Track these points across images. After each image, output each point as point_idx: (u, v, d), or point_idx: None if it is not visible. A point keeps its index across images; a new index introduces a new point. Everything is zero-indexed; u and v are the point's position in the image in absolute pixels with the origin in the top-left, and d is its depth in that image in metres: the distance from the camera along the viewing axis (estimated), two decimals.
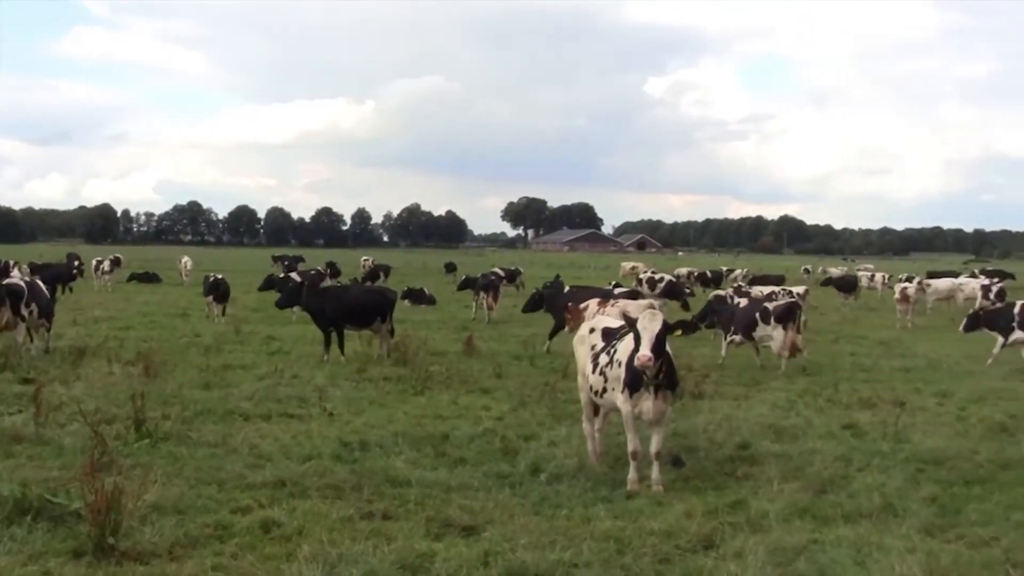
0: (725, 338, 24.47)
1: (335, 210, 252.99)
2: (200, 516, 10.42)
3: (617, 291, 27.73)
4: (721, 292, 34.47)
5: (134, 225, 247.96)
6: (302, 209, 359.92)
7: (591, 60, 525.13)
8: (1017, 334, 24.29)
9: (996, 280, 45.25)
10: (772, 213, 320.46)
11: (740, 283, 44.70)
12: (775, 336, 22.92)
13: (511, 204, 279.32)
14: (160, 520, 10.08)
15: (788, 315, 22.98)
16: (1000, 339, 24.64)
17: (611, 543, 9.76)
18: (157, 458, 12.73)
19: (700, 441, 14.46)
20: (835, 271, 65.16)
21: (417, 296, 41.39)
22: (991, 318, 25.73)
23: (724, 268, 65.12)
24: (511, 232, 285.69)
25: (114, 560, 9.04)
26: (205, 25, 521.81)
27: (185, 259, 60.88)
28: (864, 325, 37.10)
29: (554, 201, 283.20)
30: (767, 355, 23.61)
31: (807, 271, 69.38)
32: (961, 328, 26.62)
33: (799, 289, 35.53)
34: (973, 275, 57.73)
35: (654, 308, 19.79)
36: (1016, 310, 24.84)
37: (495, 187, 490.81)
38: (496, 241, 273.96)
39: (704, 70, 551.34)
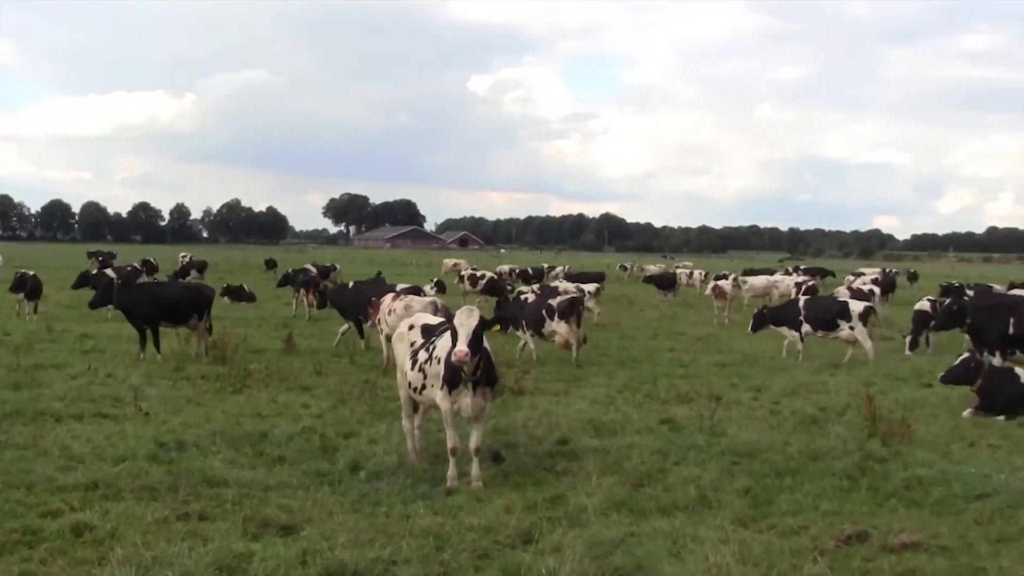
0: (521, 334, 24.93)
1: (153, 205, 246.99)
2: (7, 521, 10.05)
3: (399, 287, 27.73)
4: (524, 290, 34.79)
5: None
6: (119, 204, 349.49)
7: (415, 57, 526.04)
8: (806, 327, 25.19)
9: (809, 279, 46.65)
10: (593, 211, 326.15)
11: (558, 280, 45.11)
12: (559, 330, 23.77)
13: (333, 200, 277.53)
14: None
15: (570, 311, 23.93)
16: (795, 334, 25.47)
17: (430, 540, 9.73)
18: None
19: (520, 437, 14.51)
20: (653, 268, 66.41)
21: (236, 293, 40.66)
22: (777, 315, 26.55)
23: (545, 265, 65.67)
24: (333, 229, 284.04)
25: None
26: (15, 13, 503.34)
27: None
28: (682, 321, 37.85)
29: (376, 198, 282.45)
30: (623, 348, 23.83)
31: (624, 268, 70.43)
32: (749, 328, 27.43)
33: (590, 287, 35.85)
34: (787, 272, 59.62)
35: (436, 304, 21.42)
36: (800, 304, 25.95)
37: (317, 183, 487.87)
38: (318, 238, 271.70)
39: (527, 69, 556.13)
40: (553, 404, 17.17)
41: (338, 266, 59.16)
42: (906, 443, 14.21)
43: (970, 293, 33.37)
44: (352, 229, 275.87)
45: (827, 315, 25.30)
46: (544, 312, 24.39)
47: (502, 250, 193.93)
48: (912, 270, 76.82)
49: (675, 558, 9.35)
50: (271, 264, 67.96)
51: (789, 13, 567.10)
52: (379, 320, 23.03)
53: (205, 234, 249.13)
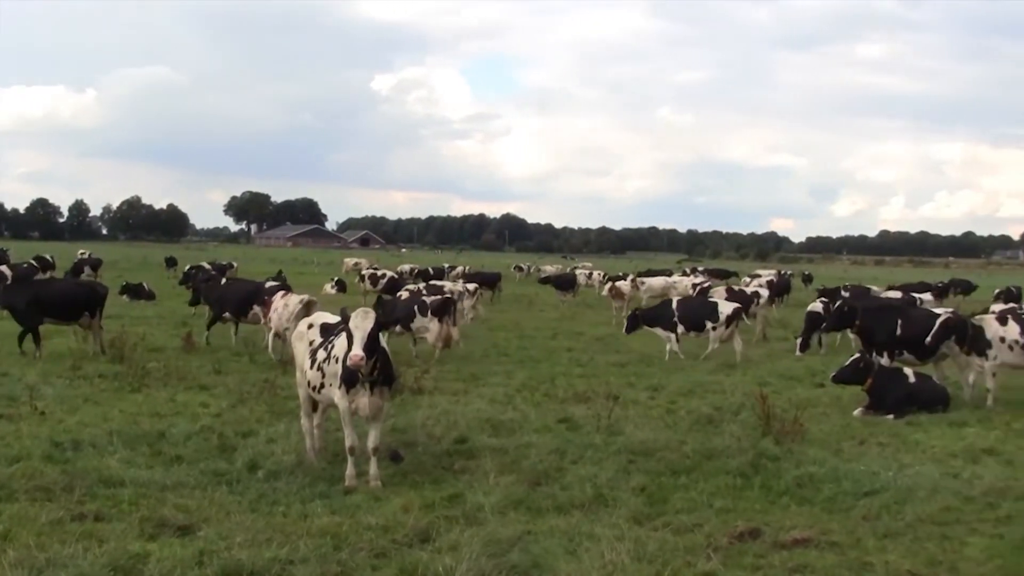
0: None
1: (52, 201, 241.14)
2: None
3: (268, 284, 27.72)
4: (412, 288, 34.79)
5: None
6: (16, 200, 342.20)
7: (318, 55, 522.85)
8: (681, 328, 25.67)
9: (706, 279, 47.32)
10: (495, 211, 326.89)
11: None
12: (431, 328, 24.17)
13: (234, 198, 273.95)
14: None
15: (443, 309, 24.44)
16: (671, 335, 25.83)
17: (328, 539, 9.71)
18: None
19: (419, 436, 14.50)
20: (550, 268, 66.68)
21: (135, 291, 40.09)
22: (651, 316, 26.90)
23: (446, 265, 65.61)
24: (234, 227, 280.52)
25: None
26: None
27: None
28: (581, 321, 38.01)
29: (278, 196, 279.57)
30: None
31: (520, 269, 70.65)
32: (624, 330, 27.71)
33: (469, 287, 35.80)
34: (685, 273, 60.31)
35: (304, 299, 22.33)
36: (674, 306, 26.40)
37: (218, 181, 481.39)
38: (219, 236, 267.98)
39: (430, 68, 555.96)
40: (452, 403, 17.17)
41: (235, 264, 58.51)
42: (798, 442, 14.46)
43: (845, 294, 34.23)
44: (253, 227, 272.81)
45: (698, 316, 25.83)
46: (416, 309, 24.74)
47: (403, 249, 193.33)
48: (807, 272, 78.18)
49: (571, 556, 9.43)
50: (171, 262, 67.06)
51: (689, 18, 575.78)
52: (269, 317, 23.45)
53: (105, 231, 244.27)
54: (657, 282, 43.94)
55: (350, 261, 67.63)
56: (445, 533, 10.03)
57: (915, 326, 19.59)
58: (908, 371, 18.06)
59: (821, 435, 15.33)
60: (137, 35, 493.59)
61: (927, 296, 35.31)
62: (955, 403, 18.01)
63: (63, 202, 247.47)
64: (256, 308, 25.11)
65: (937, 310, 21.83)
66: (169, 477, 11.97)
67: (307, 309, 21.62)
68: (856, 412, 17.31)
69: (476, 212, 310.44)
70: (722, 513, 11.05)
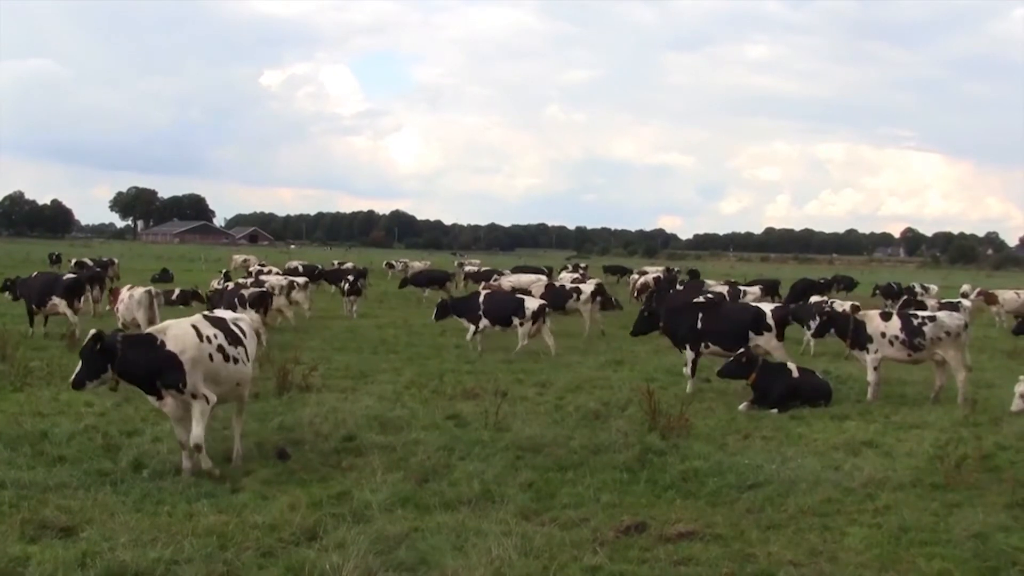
0: None
1: None
2: None
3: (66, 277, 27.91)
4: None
5: None
6: None
7: (206, 50, 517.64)
8: (484, 322, 26.12)
9: (580, 276, 47.99)
10: (384, 208, 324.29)
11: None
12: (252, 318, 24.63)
13: (120, 194, 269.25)
14: None
15: (259, 302, 26.70)
16: (470, 327, 26.45)
17: (214, 538, 9.63)
18: None
19: (306, 434, 14.40)
20: (418, 264, 66.85)
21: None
22: (460, 307, 27.47)
23: (336, 262, 65.15)
24: (120, 223, 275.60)
25: None
26: None
27: None
28: None
29: (165, 192, 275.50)
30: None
31: (391, 265, 70.54)
32: (433, 317, 28.76)
33: (300, 280, 35.58)
34: (574, 270, 60.92)
35: (151, 292, 24.20)
36: (481, 299, 26.92)
37: (104, 176, 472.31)
38: (104, 232, 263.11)
39: (320, 64, 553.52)
40: (340, 401, 17.06)
41: (116, 260, 57.51)
42: (684, 436, 14.66)
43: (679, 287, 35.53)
44: (140, 224, 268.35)
45: (504, 311, 26.14)
46: (236, 301, 26.09)
47: (292, 246, 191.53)
48: (693, 268, 79.13)
49: (458, 552, 9.46)
50: (55, 259, 65.68)
51: (578, 18, 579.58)
52: (116, 309, 25.13)
53: None
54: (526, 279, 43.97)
55: (239, 258, 66.90)
56: (332, 531, 10.01)
57: (718, 320, 20.50)
58: (792, 366, 18.41)
59: (707, 430, 15.57)
60: (19, 26, 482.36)
61: (753, 290, 37.75)
62: (837, 397, 18.39)
63: None
64: (55, 299, 25.92)
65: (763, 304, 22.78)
66: (51, 478, 11.73)
67: (151, 300, 24.27)
68: (741, 407, 17.59)
69: (366, 209, 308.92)
70: (609, 508, 11.18)
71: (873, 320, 19.59)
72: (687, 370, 20.37)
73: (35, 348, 23.06)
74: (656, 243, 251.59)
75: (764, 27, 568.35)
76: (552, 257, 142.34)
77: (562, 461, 13.20)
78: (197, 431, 11.98)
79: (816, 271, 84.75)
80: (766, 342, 20.10)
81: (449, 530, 10.12)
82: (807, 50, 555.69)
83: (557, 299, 30.94)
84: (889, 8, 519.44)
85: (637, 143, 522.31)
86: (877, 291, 49.39)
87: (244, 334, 13.25)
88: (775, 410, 17.24)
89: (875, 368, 19.05)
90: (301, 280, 35.56)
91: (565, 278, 43.73)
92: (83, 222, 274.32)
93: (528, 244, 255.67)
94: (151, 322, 22.34)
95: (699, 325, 20.45)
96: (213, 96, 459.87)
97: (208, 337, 12.49)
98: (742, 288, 38.45)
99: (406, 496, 11.34)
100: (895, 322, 19.33)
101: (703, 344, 20.40)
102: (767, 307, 21.22)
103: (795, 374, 18.06)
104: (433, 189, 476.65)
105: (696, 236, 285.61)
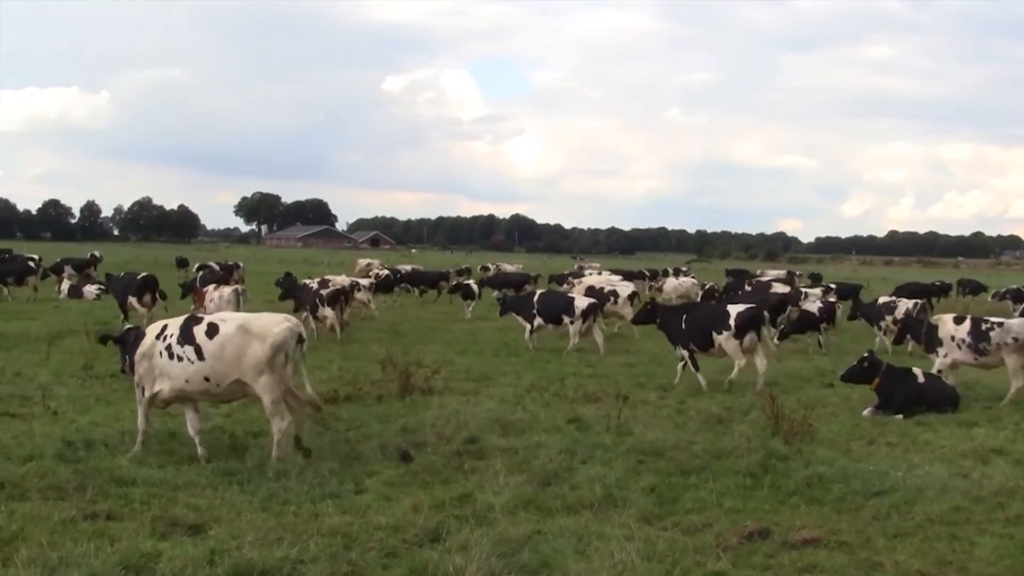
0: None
1: (63, 202, 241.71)
2: None
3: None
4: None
5: None
6: (28, 201, 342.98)
7: (328, 57, 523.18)
8: (538, 320, 26.96)
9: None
10: (504, 212, 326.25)
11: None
12: (327, 315, 28.19)
13: (244, 199, 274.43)
14: None
15: (335, 299, 28.47)
16: (527, 325, 27.27)
17: (338, 538, 9.73)
18: None
19: (429, 436, 14.47)
20: (509, 267, 67.13)
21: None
22: (516, 305, 28.70)
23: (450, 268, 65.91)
24: (244, 228, 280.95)
25: None
26: None
27: None
28: None
29: (288, 197, 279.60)
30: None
31: (485, 268, 70.81)
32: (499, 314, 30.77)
33: (364, 281, 37.17)
34: (675, 272, 60.82)
35: (238, 291, 26.90)
36: (535, 299, 27.79)
37: (229, 182, 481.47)
38: (229, 236, 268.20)
39: (439, 69, 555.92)
40: (462, 403, 17.17)
41: (242, 264, 58.54)
42: (808, 441, 14.49)
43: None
44: (264, 228, 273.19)
45: (556, 309, 26.98)
46: (316, 300, 28.61)
47: (413, 250, 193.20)
48: (814, 272, 78.05)
49: (581, 555, 9.45)
50: (182, 263, 67.05)
51: (696, 19, 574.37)
52: (204, 307, 27.09)
53: (116, 232, 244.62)
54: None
55: (363, 262, 67.59)
56: (455, 533, 10.05)
57: (693, 321, 21.28)
58: (917, 371, 18.08)
59: (830, 435, 15.36)
60: (149, 37, 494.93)
61: (815, 291, 38.73)
62: (964, 403, 18.01)
63: (75, 203, 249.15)
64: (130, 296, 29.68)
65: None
66: (180, 476, 11.99)
67: (238, 298, 27.46)
68: (865, 412, 17.32)
69: (486, 213, 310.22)
70: (732, 513, 11.07)
71: (946, 324, 19.81)
72: (680, 367, 21.16)
73: None
74: (777, 246, 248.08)
75: (884, 26, 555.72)
76: (672, 261, 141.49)
77: (684, 465, 13.10)
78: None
79: (941, 275, 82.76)
80: (724, 341, 20.52)
81: (571, 533, 10.10)
82: (929, 49, 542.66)
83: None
84: (1013, 5, 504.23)
85: (757, 145, 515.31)
86: (1007, 295, 48.15)
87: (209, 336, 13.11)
88: (900, 416, 16.95)
89: (939, 371, 19.10)
90: (365, 282, 36.76)
91: (601, 280, 43.52)
92: (209, 227, 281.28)
93: (648, 248, 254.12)
94: None
95: (683, 326, 21.28)
96: (336, 102, 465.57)
97: (165, 336, 13.32)
98: (803, 290, 39.20)
99: (528, 499, 11.36)
100: (965, 326, 19.46)
101: (688, 342, 21.06)
102: (734, 308, 21.36)
103: (921, 379, 17.73)
104: (553, 193, 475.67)
105: (817, 239, 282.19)
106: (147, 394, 13.35)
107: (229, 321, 13.32)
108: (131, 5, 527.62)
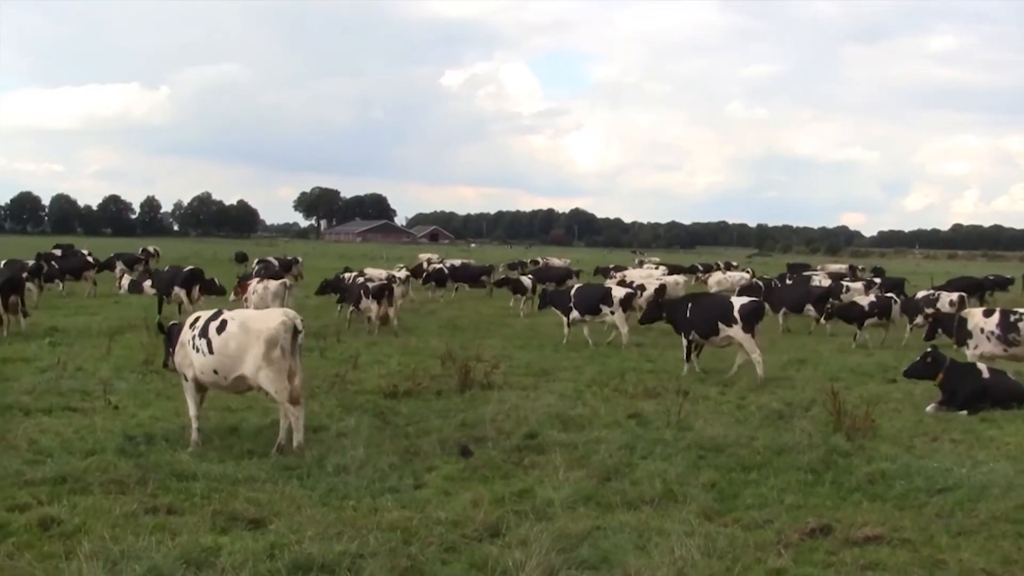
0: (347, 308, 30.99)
1: (123, 198, 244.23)
2: None
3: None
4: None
5: None
6: (89, 197, 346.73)
7: (386, 52, 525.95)
8: (574, 313, 27.40)
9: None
10: (563, 206, 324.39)
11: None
12: (372, 308, 28.87)
13: (304, 194, 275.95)
14: None
15: (380, 293, 29.29)
16: (564, 318, 28.03)
17: (398, 533, 9.76)
18: None
19: (488, 431, 14.53)
20: (557, 262, 67.43)
21: (207, 286, 40.61)
22: (555, 299, 29.41)
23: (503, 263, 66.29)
24: (304, 222, 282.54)
25: None
26: None
27: None
28: None
29: (347, 192, 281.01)
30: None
31: (535, 262, 70.87)
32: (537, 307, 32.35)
33: (401, 274, 38.54)
34: (727, 266, 60.77)
35: (285, 284, 28.02)
36: (572, 293, 28.41)
37: (288, 177, 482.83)
38: (289, 231, 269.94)
39: (499, 63, 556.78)
40: (521, 399, 17.23)
41: (300, 259, 58.97)
42: (870, 438, 14.38)
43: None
44: (323, 223, 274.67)
45: (592, 300, 27.75)
46: (361, 292, 29.71)
47: (472, 244, 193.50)
48: (877, 267, 77.35)
49: (641, 551, 9.44)
50: (241, 257, 67.57)
51: (758, 12, 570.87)
52: (245, 299, 28.27)
53: (176, 227, 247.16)
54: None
55: (424, 256, 67.88)
56: (515, 528, 10.07)
57: (699, 311, 22.05)
58: (982, 366, 17.87)
59: (893, 431, 15.22)
60: (209, 33, 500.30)
61: (857, 285, 39.38)
62: None
63: (135, 199, 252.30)
64: (176, 289, 31.23)
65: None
66: (240, 471, 12.09)
67: (284, 292, 28.66)
68: (929, 408, 17.12)
69: (545, 207, 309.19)
70: (793, 509, 11.00)
71: (975, 316, 20.14)
72: (738, 361, 21.86)
73: None
74: (839, 240, 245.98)
75: (948, 17, 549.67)
76: (733, 255, 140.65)
77: (745, 461, 13.04)
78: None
79: (1006, 268, 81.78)
80: (736, 334, 21.19)
81: (631, 529, 10.10)
82: (994, 40, 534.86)
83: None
84: None
85: (819, 138, 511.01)
86: None
87: (218, 332, 13.66)
88: (964, 412, 16.75)
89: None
90: (402, 274, 38.15)
91: (633, 275, 43.49)
92: (268, 222, 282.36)
93: (708, 242, 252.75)
94: None
95: (688, 315, 22.14)
96: (394, 96, 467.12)
97: (195, 326, 13.94)
98: (845, 284, 39.83)
99: (588, 494, 11.37)
100: (994, 318, 19.76)
101: (691, 332, 21.94)
102: (737, 300, 22.27)
103: (985, 375, 17.50)
104: (613, 187, 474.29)
105: (880, 233, 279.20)
106: (188, 380, 13.94)
107: (236, 319, 13.80)
108: (191, 2, 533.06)
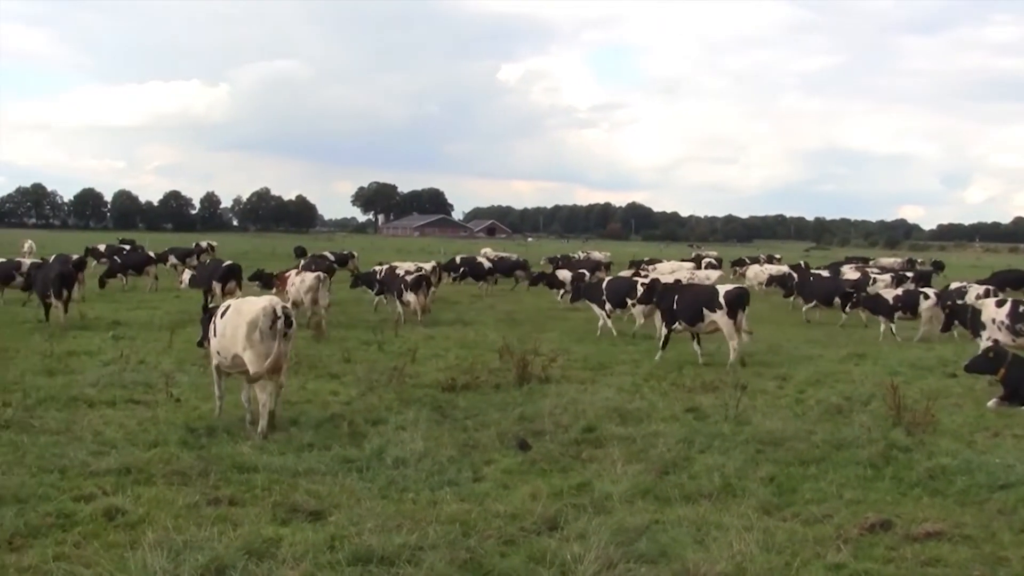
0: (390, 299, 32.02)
1: (184, 194, 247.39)
2: (41, 505, 10.25)
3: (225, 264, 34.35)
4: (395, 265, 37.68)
5: None
6: (150, 193, 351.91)
7: (443, 47, 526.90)
8: (608, 305, 28.39)
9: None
10: (620, 200, 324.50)
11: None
12: (410, 299, 30.15)
13: (361, 189, 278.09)
14: (0, 510, 9.86)
15: (418, 285, 30.50)
16: (600, 310, 28.66)
17: (457, 526, 9.81)
18: None
19: (546, 425, 14.57)
20: (597, 255, 67.44)
21: (266, 280, 41.03)
22: (589, 292, 30.17)
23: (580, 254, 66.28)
24: (362, 217, 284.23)
25: None
26: (51, 2, 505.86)
27: (28, 242, 59.23)
28: None
29: (404, 187, 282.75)
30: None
31: (581, 254, 71.14)
32: (569, 300, 33.08)
33: (427, 265, 39.55)
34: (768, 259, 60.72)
35: (320, 277, 28.44)
36: (604, 285, 28.99)
37: (346, 172, 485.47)
38: (347, 226, 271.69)
39: (555, 58, 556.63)
40: (579, 392, 17.27)
41: (356, 253, 59.32)
42: (930, 433, 14.26)
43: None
44: (381, 217, 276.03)
45: (620, 293, 28.60)
46: (400, 285, 30.87)
47: (529, 239, 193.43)
48: (937, 260, 76.57)
49: (699, 545, 9.45)
50: (301, 252, 67.98)
51: (813, 4, 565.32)
52: (286, 290, 28.72)
53: (235, 222, 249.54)
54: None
55: (484, 251, 68.02)
56: (573, 521, 10.10)
57: (685, 300, 22.83)
58: None
59: (953, 426, 15.07)
60: (267, 30, 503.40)
61: (884, 277, 41.06)
62: None
63: (195, 194, 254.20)
64: (214, 282, 31.94)
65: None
66: (301, 463, 12.21)
67: (319, 284, 28.58)
68: (990, 403, 16.94)
69: (601, 201, 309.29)
70: (852, 504, 10.95)
71: (988, 307, 20.49)
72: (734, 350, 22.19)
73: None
74: (897, 234, 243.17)
75: (1007, 7, 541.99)
76: (790, 248, 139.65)
77: (803, 456, 12.98)
78: None
79: None
80: (719, 319, 22.02)
81: (690, 523, 10.10)
82: None
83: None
84: None
85: (877, 131, 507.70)
86: None
87: (222, 316, 14.82)
88: None
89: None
90: (428, 266, 38.92)
91: (662, 268, 43.42)
92: (326, 217, 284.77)
93: (765, 235, 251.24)
94: (317, 302, 28.11)
95: (674, 305, 22.81)
96: (450, 91, 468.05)
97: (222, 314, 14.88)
98: (873, 276, 41.08)
99: (646, 488, 11.36)
100: (1005, 308, 20.12)
101: (677, 322, 22.73)
102: (722, 288, 23.01)
103: None
104: (669, 180, 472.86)
105: (940, 226, 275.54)
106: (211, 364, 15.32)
107: (233, 305, 15.00)
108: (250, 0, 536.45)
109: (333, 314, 30.55)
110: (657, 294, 24.60)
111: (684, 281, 31.33)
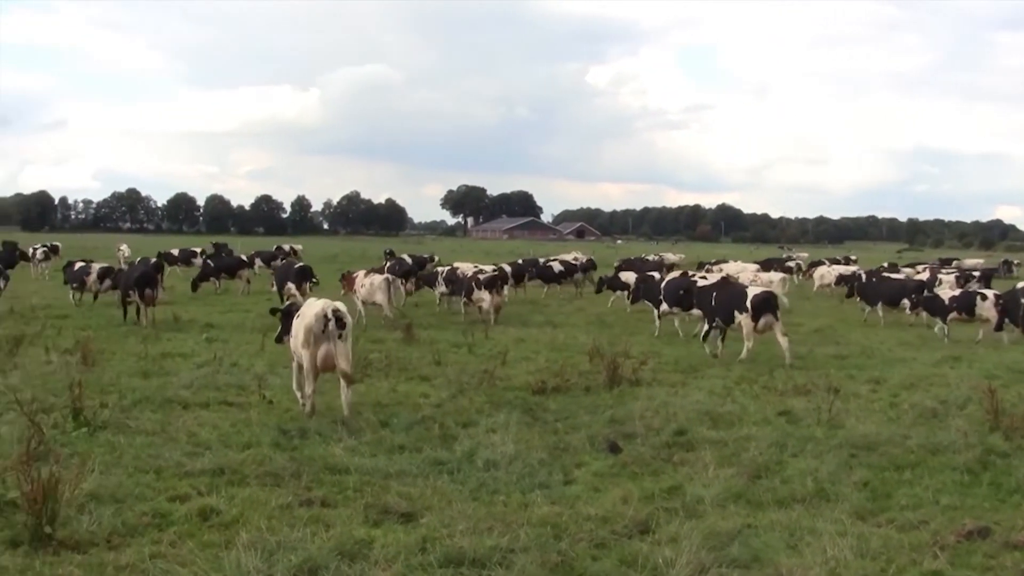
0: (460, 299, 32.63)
1: (275, 198, 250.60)
2: (138, 504, 10.43)
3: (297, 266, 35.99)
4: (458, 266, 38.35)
5: (72, 212, 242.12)
6: (242, 197, 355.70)
7: (532, 49, 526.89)
8: (664, 306, 28.51)
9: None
10: (710, 202, 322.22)
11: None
12: (484, 298, 30.17)
13: (450, 192, 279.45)
14: (98, 509, 10.06)
15: (492, 284, 30.67)
16: (655, 310, 29.16)
17: (548, 528, 9.83)
18: (95, 447, 12.69)
19: (637, 427, 14.53)
20: (671, 256, 66.95)
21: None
22: (647, 291, 30.43)
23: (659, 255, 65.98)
24: (451, 220, 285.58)
25: (51, 549, 9.02)
26: (144, 10, 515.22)
27: (123, 247, 60.42)
28: (799, 314, 37.17)
29: (493, 189, 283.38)
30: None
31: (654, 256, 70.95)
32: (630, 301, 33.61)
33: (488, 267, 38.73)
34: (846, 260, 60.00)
35: (389, 279, 29.42)
36: (663, 285, 28.91)
37: (435, 175, 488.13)
38: (436, 229, 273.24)
39: (645, 60, 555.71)
40: (670, 395, 17.22)
41: (436, 256, 59.70)
42: None
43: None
44: (470, 220, 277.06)
45: (676, 294, 28.20)
46: (473, 284, 31.03)
47: (619, 241, 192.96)
48: (1012, 259, 75.32)
49: (792, 550, 9.38)
50: (389, 254, 68.52)
51: (903, 2, 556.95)
52: (355, 290, 29.78)
53: (326, 226, 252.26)
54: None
55: (571, 255, 67.90)
56: (665, 525, 10.07)
57: (720, 299, 23.76)
58: None
59: None
60: (357, 35, 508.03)
61: (949, 278, 39.91)
62: None
63: (286, 198, 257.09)
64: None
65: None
66: (392, 465, 12.28)
67: (388, 285, 29.56)
68: None
69: (691, 203, 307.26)
70: (949, 510, 10.78)
71: None
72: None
73: (374, 341, 24.33)
74: (993, 234, 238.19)
75: None
76: (883, 250, 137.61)
77: (898, 460, 12.82)
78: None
79: None
80: (743, 320, 22.78)
81: (782, 528, 10.03)
82: None
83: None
84: None
85: (970, 130, 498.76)
86: None
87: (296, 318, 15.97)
88: None
89: None
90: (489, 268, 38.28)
91: (729, 269, 43.10)
92: (415, 220, 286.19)
93: (857, 237, 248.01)
94: (388, 303, 29.20)
95: (712, 303, 23.81)
96: (540, 94, 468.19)
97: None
98: (940, 277, 40.45)
99: (738, 492, 11.31)
100: None
101: (715, 320, 23.77)
102: (751, 291, 23.50)
103: None
104: (759, 181, 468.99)
105: None
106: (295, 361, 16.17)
107: (303, 307, 16.04)
108: (339, 4, 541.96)
109: (422, 316, 30.78)
110: (696, 295, 25.25)
111: (747, 282, 31.40)
